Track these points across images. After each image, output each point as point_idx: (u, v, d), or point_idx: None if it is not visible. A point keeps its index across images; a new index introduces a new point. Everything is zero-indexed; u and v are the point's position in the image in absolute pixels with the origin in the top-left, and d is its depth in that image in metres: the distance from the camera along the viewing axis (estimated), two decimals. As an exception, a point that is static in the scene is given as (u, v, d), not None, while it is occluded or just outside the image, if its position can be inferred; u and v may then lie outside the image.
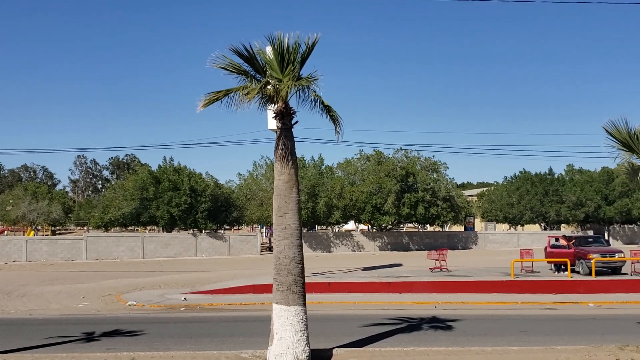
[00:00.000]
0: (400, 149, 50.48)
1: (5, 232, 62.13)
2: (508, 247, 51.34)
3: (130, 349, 11.65)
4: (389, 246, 49.66)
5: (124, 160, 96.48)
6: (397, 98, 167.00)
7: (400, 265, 32.42)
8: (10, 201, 60.12)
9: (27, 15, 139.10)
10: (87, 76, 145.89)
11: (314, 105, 10.30)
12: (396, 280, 22.44)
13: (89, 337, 13.28)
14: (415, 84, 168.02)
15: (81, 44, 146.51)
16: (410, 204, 47.91)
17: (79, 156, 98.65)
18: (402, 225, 58.24)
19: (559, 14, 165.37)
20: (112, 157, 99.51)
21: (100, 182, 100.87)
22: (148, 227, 59.84)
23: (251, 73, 10.01)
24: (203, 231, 45.73)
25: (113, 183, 77.55)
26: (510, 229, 62.21)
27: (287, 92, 9.73)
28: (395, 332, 13.67)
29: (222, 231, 48.92)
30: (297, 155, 10.31)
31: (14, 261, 38.26)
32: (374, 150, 51.75)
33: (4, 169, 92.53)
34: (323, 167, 50.28)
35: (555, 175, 59.19)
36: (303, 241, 10.35)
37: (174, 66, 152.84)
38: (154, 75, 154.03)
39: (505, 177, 63.84)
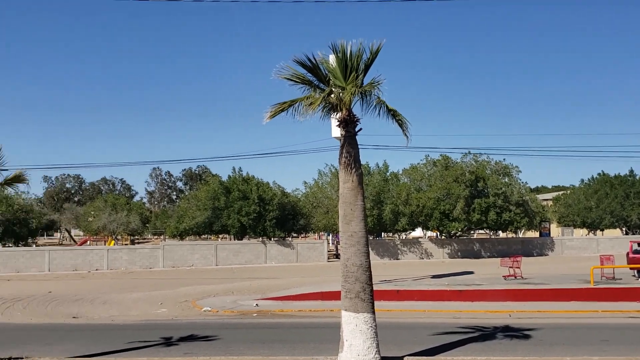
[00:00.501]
0: (469, 152, 49.34)
1: (88, 242, 65.43)
2: (587, 253, 49.11)
3: (206, 354, 12.02)
4: (458, 253, 48.61)
5: (196, 172, 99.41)
6: (464, 100, 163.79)
7: (471, 272, 31.68)
8: (92, 212, 63.38)
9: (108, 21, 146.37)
10: (161, 88, 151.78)
11: (379, 110, 10.32)
12: (468, 288, 21.96)
13: (168, 342, 13.78)
14: (482, 85, 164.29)
15: (152, 54, 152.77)
16: (481, 209, 46.73)
17: (154, 168, 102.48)
18: (472, 232, 56.88)
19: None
20: (185, 169, 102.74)
21: (174, 192, 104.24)
22: (220, 236, 61.48)
23: (315, 82, 10.14)
24: (272, 239, 46.48)
25: (186, 194, 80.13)
26: (588, 234, 59.51)
27: (350, 99, 9.80)
28: (467, 341, 13.39)
29: (289, 239, 49.53)
30: (361, 162, 10.34)
31: (96, 269, 40.18)
32: (441, 155, 50.77)
33: (85, 182, 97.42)
34: (388, 173, 49.89)
35: (637, 177, 56.15)
36: (370, 248, 10.35)
37: (243, 76, 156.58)
38: (224, 86, 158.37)
39: (582, 180, 61.28)
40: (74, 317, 19.54)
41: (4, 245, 45.09)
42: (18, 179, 12.06)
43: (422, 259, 47.38)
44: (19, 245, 46.42)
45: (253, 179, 48.58)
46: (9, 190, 41.12)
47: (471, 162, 49.17)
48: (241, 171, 50.10)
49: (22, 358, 11.36)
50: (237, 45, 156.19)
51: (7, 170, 11.66)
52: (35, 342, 13.97)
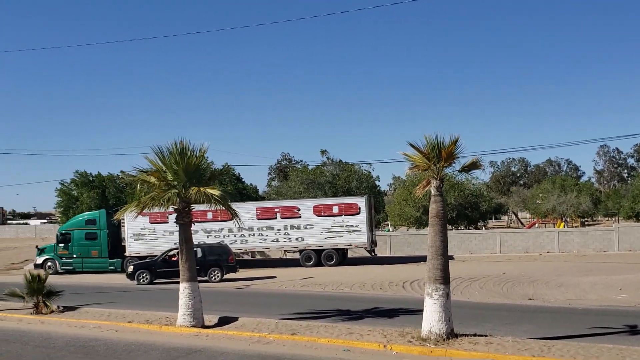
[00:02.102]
0: None
1: (537, 224, 66.21)
2: None
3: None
4: None
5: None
6: None
7: None
8: (540, 195, 64.01)
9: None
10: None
11: None
12: None
13: (632, 330, 12.90)
14: None
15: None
16: None
17: (601, 146, 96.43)
18: None
19: None
20: (636, 144, 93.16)
21: (625, 170, 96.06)
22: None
23: None
24: None
25: (639, 171, 72.91)
26: None
27: None
28: None
29: None
30: None
31: (547, 252, 40.26)
32: None
33: (530, 165, 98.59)
34: None
35: None
36: None
37: None
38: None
39: None
40: (529, 299, 19.91)
41: (457, 228, 49.76)
42: (474, 165, 12.69)
43: None
44: (470, 228, 50.42)
45: None
46: (460, 177, 45.21)
47: None
48: None
49: (485, 335, 11.82)
50: None
51: (459, 157, 12.23)
52: (494, 321, 14.49)
